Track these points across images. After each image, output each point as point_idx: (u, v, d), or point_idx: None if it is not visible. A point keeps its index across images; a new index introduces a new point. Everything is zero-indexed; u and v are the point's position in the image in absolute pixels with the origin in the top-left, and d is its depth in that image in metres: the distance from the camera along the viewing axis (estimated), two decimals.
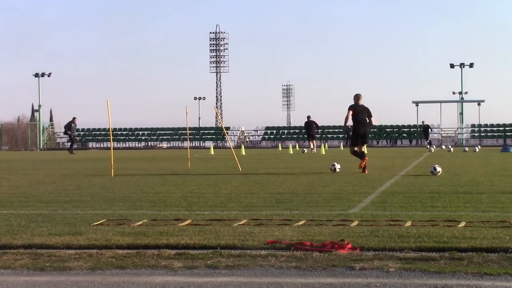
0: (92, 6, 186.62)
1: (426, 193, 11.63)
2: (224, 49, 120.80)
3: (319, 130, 51.43)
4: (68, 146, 44.21)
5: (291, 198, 11.02)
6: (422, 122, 56.50)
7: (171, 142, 74.92)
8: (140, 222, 8.10)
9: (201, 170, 20.26)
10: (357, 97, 18.23)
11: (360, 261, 5.77)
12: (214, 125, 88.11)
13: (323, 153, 38.50)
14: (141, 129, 77.09)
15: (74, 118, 42.74)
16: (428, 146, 51.64)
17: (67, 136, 44.43)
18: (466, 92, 77.74)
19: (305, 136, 46.44)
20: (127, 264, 5.81)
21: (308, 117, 42.23)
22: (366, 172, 17.50)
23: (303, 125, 76.73)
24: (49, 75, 79.25)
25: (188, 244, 6.60)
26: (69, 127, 42.32)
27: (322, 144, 51.33)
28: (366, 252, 6.19)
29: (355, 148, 18.44)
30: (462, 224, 7.65)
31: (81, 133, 76.17)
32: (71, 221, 8.38)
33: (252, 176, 16.63)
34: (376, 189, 12.49)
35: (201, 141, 74.66)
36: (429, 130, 55.92)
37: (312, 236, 6.95)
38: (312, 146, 40.88)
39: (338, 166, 18.28)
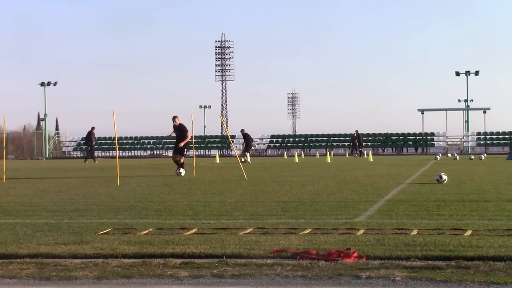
0: (98, 14, 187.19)
1: (432, 201, 11.61)
2: (230, 57, 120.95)
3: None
4: (91, 155, 44.68)
5: (297, 207, 11.01)
6: (356, 131, 56.98)
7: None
8: (146, 231, 8.10)
9: (206, 178, 20.26)
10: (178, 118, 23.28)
11: (366, 270, 5.75)
12: (219, 134, 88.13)
13: (329, 161, 38.47)
14: (147, 138, 77.17)
15: (93, 128, 43.40)
16: (356, 155, 52.45)
17: (88, 146, 45.07)
18: (472, 100, 77.73)
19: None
20: (133, 273, 5.81)
21: (242, 130, 42.87)
22: (176, 173, 21.76)
23: (309, 133, 77.09)
24: (55, 84, 79.52)
25: (194, 253, 6.59)
26: (89, 137, 43.20)
27: (328, 152, 51.31)
28: (372, 261, 6.17)
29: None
30: (469, 232, 7.63)
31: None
32: (77, 230, 8.38)
33: (258, 185, 16.62)
34: (382, 198, 12.47)
35: (207, 150, 74.69)
36: (361, 139, 57.03)
37: (318, 244, 6.94)
38: (246, 157, 41.26)
39: (183, 172, 21.80)
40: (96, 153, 46.30)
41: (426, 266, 5.92)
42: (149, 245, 7.09)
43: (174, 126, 23.26)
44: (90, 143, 43.69)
